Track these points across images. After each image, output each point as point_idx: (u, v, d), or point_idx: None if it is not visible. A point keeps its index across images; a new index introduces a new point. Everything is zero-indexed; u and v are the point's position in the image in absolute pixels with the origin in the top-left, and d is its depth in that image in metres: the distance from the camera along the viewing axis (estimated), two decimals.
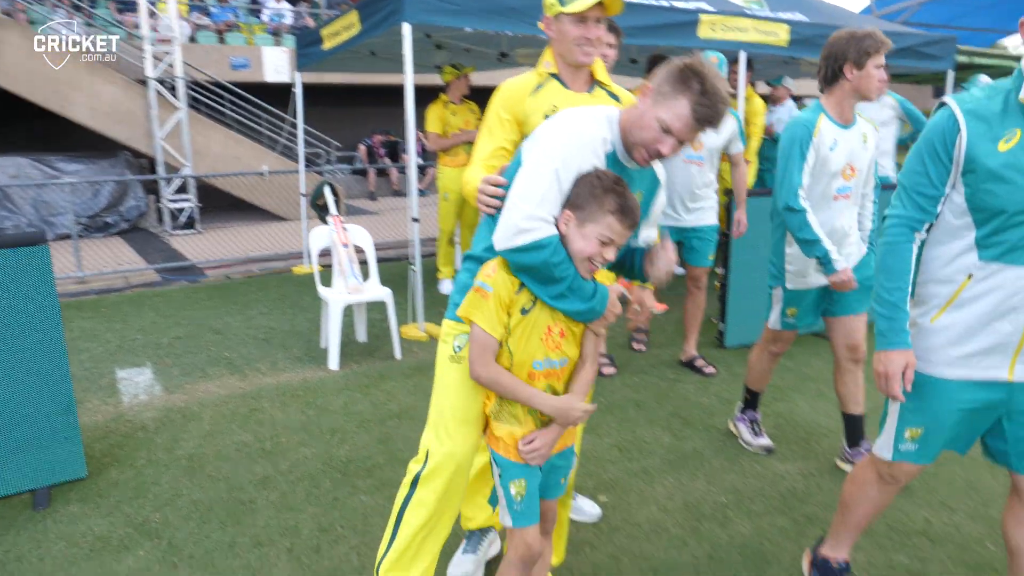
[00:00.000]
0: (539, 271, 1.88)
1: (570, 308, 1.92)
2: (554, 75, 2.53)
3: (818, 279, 3.28)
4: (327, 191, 5.36)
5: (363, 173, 14.81)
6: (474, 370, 1.93)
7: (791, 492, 3.21)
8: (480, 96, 5.43)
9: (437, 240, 6.97)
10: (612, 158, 1.99)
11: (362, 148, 15.40)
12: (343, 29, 6.01)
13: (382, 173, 15.29)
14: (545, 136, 1.97)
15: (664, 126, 1.89)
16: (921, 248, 2.12)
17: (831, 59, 3.05)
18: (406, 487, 2.16)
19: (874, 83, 3.02)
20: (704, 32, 6.05)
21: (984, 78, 6.56)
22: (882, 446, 2.23)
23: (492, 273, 1.91)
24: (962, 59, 9.34)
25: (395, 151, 16.17)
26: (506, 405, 1.99)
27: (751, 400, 3.71)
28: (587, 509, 3.00)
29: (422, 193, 14.25)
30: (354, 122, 15.90)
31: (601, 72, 2.59)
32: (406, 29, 4.97)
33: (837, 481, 3.29)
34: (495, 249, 1.93)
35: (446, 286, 6.83)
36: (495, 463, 2.01)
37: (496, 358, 1.94)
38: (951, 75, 7.78)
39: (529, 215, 1.86)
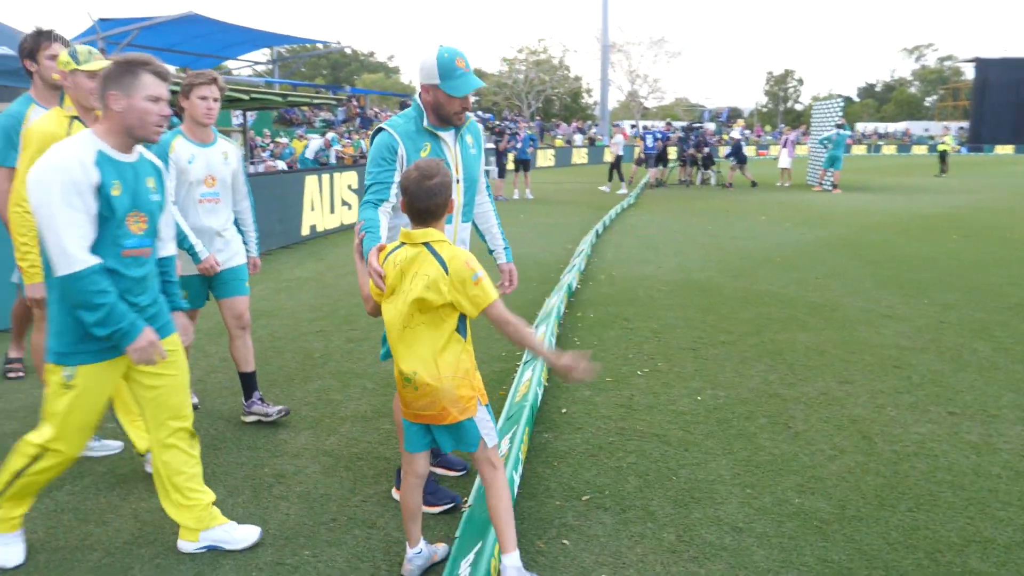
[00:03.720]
0: (78, 300, 2.47)
1: (106, 332, 2.52)
2: (76, 117, 3.60)
3: (193, 268, 3.99)
4: None
5: None
6: (514, 321, 2.48)
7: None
8: None
9: None
10: (102, 158, 2.55)
11: None
12: None
13: None
14: (35, 193, 2.46)
15: (152, 97, 2.57)
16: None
17: None
18: (26, 458, 2.74)
19: (200, 110, 3.84)
20: None
21: None
22: (384, 353, 3.11)
23: (475, 263, 2.47)
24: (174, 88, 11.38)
25: None
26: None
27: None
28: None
29: None
30: None
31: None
32: None
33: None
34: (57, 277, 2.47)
35: None
36: (487, 407, 2.63)
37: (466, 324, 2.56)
38: None
39: (60, 253, 2.44)
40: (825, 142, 21.15)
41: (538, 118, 61.21)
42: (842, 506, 3.31)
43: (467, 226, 3.33)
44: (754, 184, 22.57)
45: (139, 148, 2.73)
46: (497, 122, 31.57)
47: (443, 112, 3.07)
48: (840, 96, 23.68)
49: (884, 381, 4.93)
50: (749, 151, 49.66)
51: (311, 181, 11.55)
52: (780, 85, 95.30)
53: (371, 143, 3.12)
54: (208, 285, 4.14)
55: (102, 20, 24.92)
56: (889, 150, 57.17)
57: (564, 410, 4.48)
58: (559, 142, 44.67)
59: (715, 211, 15.55)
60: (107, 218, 2.56)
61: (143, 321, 2.61)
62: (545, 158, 35.53)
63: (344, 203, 12.67)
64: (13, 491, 2.79)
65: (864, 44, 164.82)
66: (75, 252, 2.45)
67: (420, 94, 3.11)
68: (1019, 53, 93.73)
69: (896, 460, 3.76)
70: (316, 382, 5.00)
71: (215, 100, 3.87)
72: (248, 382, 4.27)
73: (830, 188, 20.84)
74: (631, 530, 3.13)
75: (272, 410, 4.25)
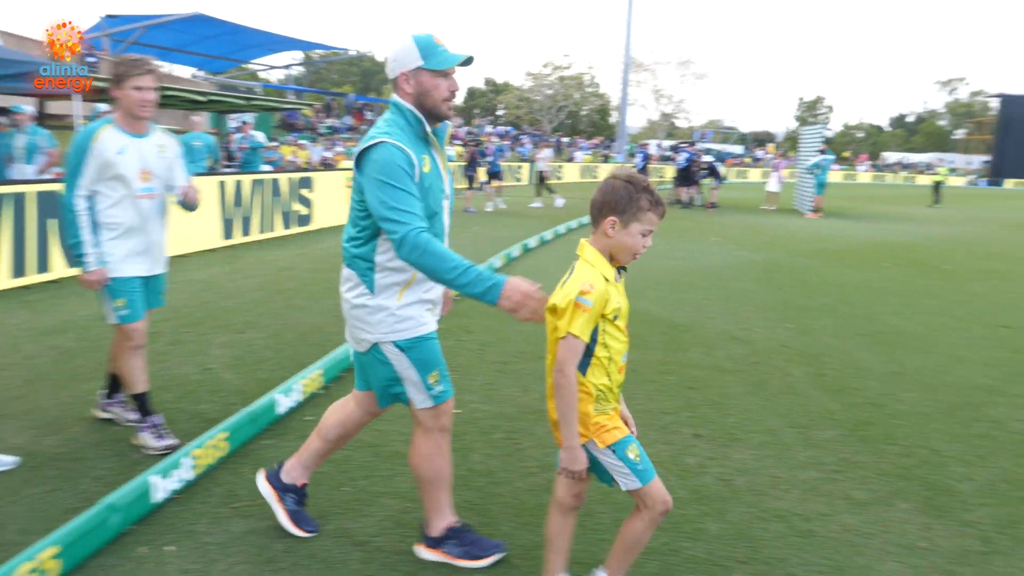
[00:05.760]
0: None
1: None
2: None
3: (131, 269, 3.69)
4: None
5: None
6: (565, 371, 2.23)
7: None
8: None
9: None
10: None
11: None
12: None
13: None
14: None
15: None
16: (373, 251, 2.69)
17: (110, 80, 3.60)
18: None
19: (135, 100, 3.56)
20: None
21: None
22: (420, 401, 2.77)
23: (590, 290, 2.22)
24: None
25: None
26: (603, 401, 2.34)
27: (143, 405, 3.83)
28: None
29: None
30: None
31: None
32: None
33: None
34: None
35: None
36: (612, 450, 2.32)
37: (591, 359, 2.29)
38: None
39: None
40: (814, 168, 21.01)
41: (559, 134, 61.17)
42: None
43: None
44: (712, 206, 22.40)
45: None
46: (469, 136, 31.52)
47: (430, 102, 2.65)
48: (824, 125, 23.64)
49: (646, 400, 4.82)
50: (756, 174, 49.77)
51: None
52: (811, 111, 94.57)
53: (366, 160, 2.59)
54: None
55: (108, 16, 24.96)
56: (895, 180, 57.03)
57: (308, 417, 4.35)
58: (588, 159, 45.28)
59: (669, 231, 15.33)
60: None
61: None
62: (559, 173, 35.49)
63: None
64: None
65: (900, 74, 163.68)
66: None
67: (397, 96, 2.69)
68: None
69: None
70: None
71: (152, 91, 3.62)
72: (117, 384, 4.11)
73: (813, 213, 20.66)
74: (241, 540, 3.07)
75: (130, 416, 4.04)
